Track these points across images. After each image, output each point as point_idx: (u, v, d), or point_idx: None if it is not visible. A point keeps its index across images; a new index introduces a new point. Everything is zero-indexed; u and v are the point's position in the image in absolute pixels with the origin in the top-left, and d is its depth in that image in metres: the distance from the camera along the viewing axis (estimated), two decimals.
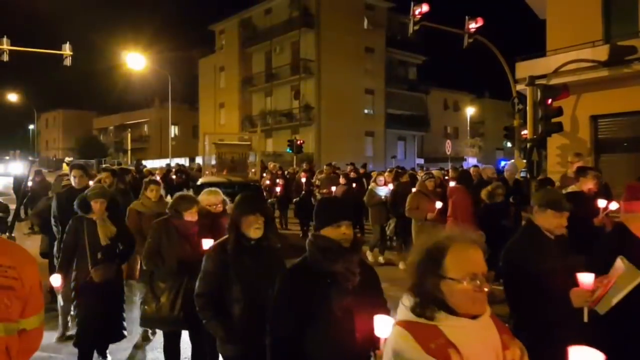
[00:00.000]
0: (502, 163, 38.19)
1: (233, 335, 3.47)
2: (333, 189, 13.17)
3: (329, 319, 2.57)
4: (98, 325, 5.15)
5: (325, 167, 16.29)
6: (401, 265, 10.23)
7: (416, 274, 1.98)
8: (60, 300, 5.75)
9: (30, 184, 13.49)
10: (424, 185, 9.35)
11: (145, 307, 4.77)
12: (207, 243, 4.23)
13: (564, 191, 7.15)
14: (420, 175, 13.51)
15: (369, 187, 11.71)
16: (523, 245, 3.44)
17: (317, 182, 14.63)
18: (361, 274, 2.69)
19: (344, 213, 2.78)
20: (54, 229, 6.71)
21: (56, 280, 5.01)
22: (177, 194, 5.09)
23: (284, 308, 2.67)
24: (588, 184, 6.40)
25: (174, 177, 19.07)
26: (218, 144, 13.82)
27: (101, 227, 5.20)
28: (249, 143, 15.12)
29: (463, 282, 1.85)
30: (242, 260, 3.52)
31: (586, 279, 2.97)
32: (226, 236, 3.68)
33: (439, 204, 8.64)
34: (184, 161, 34.46)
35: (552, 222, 3.36)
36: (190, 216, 4.77)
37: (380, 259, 11.22)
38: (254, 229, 3.51)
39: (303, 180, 15.50)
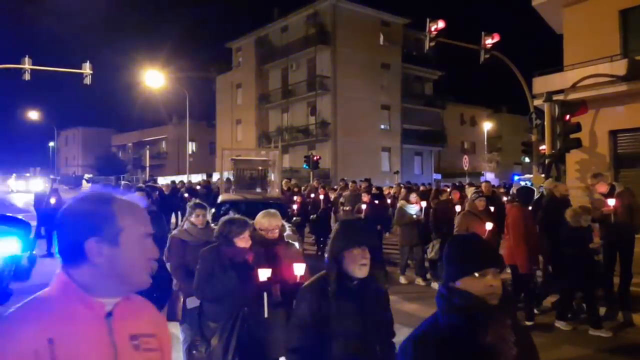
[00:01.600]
0: (516, 177, 37.90)
1: None
2: (363, 206, 12.77)
3: None
4: None
5: (350, 183, 15.86)
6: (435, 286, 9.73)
7: None
8: None
9: (52, 201, 13.57)
10: (474, 205, 8.48)
11: (194, 352, 4.06)
12: (263, 273, 3.75)
13: None
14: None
15: (399, 205, 10.99)
16: None
17: (342, 200, 14.35)
18: (516, 342, 1.94)
19: (490, 256, 2.06)
20: None
21: None
22: (225, 217, 4.33)
23: None
24: None
25: (186, 194, 18.38)
26: (236, 159, 13.17)
27: None
28: (268, 159, 14.48)
29: None
30: (345, 307, 2.81)
31: None
32: (321, 273, 2.99)
33: (489, 225, 7.93)
34: (201, 177, 34.67)
35: None
36: (243, 242, 4.06)
37: (402, 280, 10.73)
38: (359, 266, 2.79)
39: (321, 197, 15.13)
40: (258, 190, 12.40)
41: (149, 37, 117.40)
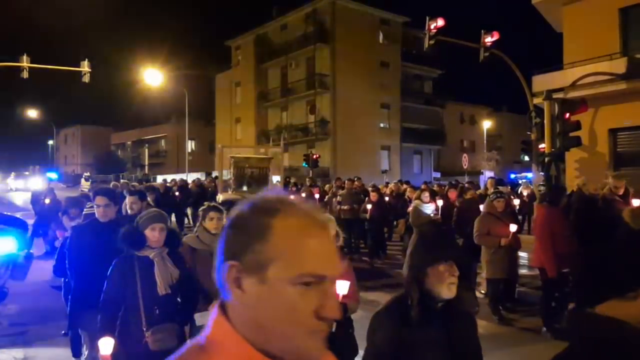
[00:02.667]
0: (512, 176, 37.92)
1: None
2: (369, 206, 12.37)
3: None
4: None
5: (346, 181, 15.40)
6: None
7: None
8: None
9: (47, 201, 13.37)
10: (493, 205, 7.94)
11: None
12: None
13: None
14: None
15: (414, 205, 10.47)
16: None
17: (339, 199, 13.87)
18: None
19: None
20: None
21: (107, 346, 3.32)
22: None
23: None
24: None
25: (177, 193, 17.67)
26: (237, 157, 12.68)
27: (161, 268, 3.66)
28: (269, 157, 13.89)
29: None
30: (429, 333, 2.35)
31: None
32: (398, 293, 2.55)
33: (513, 227, 7.47)
34: (200, 175, 34.63)
35: None
36: None
37: None
38: (447, 286, 2.33)
39: (316, 196, 14.69)
40: (258, 189, 11.97)
41: (148, 35, 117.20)
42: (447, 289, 2.33)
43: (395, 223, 14.85)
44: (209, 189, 18.58)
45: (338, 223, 12.94)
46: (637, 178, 14.08)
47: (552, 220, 7.17)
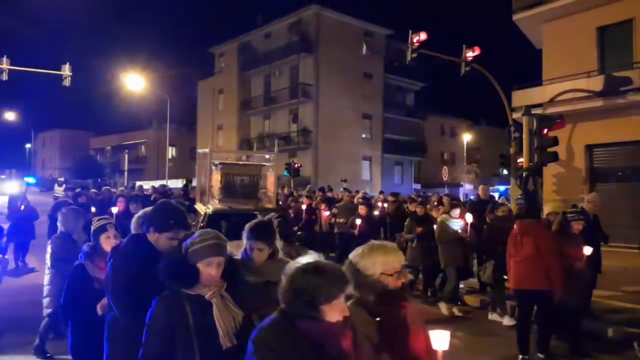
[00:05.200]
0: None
1: None
2: (358, 221, 11.45)
3: None
4: None
5: (345, 193, 14.88)
6: (505, 321, 8.30)
7: None
8: None
9: (22, 207, 12.91)
10: (570, 226, 6.96)
11: None
12: None
13: None
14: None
15: (440, 220, 9.54)
16: None
17: (334, 211, 13.33)
18: None
19: None
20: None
21: None
22: (306, 263, 2.23)
23: None
24: None
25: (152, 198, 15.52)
26: (226, 163, 11.48)
27: (222, 312, 2.65)
28: (261, 164, 13.23)
29: None
30: None
31: None
32: None
33: (588, 250, 6.55)
34: (180, 183, 34.37)
35: None
36: (336, 312, 2.15)
37: (456, 311, 9.10)
38: None
39: (303, 207, 13.91)
40: (248, 199, 10.75)
41: (131, 40, 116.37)
42: None
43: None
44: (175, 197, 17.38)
45: (331, 238, 11.94)
46: (612, 193, 14.34)
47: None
